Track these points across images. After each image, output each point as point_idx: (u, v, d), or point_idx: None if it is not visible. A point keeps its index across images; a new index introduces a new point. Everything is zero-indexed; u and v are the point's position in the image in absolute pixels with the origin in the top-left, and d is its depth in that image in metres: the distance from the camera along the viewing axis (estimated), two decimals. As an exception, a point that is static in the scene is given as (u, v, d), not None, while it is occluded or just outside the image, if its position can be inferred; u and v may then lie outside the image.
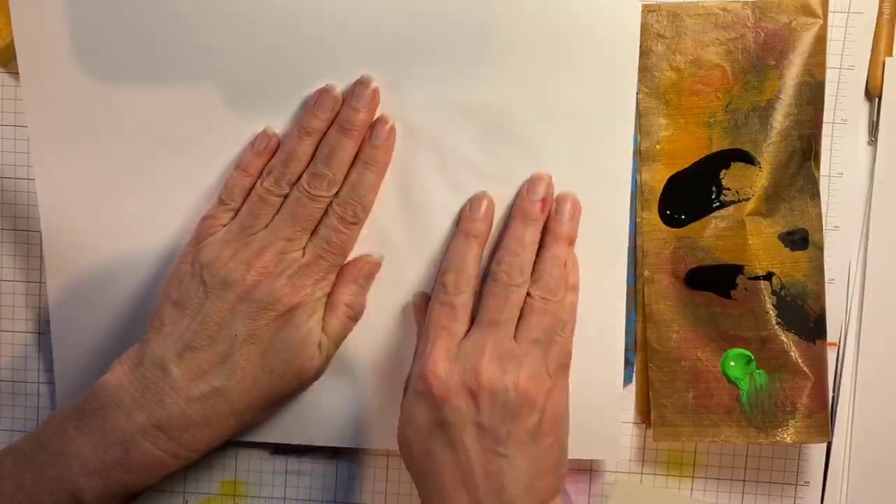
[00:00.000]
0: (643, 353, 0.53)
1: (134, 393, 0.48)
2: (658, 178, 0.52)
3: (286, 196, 0.49)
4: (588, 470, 0.54)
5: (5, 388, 0.56)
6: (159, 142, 0.51)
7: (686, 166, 0.52)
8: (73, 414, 0.48)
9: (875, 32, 0.51)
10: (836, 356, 0.53)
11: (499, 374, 0.46)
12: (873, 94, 0.52)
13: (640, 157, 0.52)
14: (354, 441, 0.54)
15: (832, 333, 0.52)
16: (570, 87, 0.50)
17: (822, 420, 0.51)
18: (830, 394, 0.52)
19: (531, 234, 0.49)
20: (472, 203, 0.50)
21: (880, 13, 0.51)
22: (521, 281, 0.48)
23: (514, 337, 0.47)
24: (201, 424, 0.48)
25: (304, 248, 0.49)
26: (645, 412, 0.54)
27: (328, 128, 0.49)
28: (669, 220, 0.52)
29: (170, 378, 0.48)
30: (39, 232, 0.54)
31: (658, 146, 0.52)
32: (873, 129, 0.52)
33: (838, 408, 0.53)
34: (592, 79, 0.50)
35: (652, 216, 0.52)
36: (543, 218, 0.49)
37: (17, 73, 0.53)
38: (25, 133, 0.54)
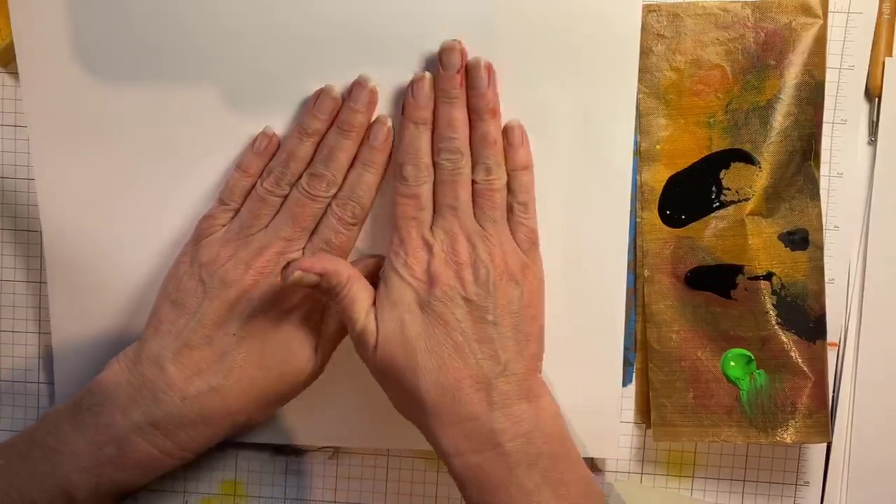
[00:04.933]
0: (643, 353, 0.53)
1: (130, 390, 0.48)
2: (658, 178, 0.52)
3: (286, 197, 0.49)
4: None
5: (5, 388, 0.56)
6: (159, 142, 0.51)
7: (686, 166, 0.52)
8: (69, 411, 0.48)
9: (875, 32, 0.51)
10: (836, 356, 0.53)
11: (474, 251, 0.47)
12: (873, 94, 0.52)
13: (640, 157, 0.52)
14: (354, 441, 0.54)
15: (832, 333, 0.52)
16: (571, 87, 0.50)
17: (822, 420, 0.51)
18: (830, 394, 0.52)
19: (459, 112, 0.48)
20: (414, 88, 0.49)
21: (880, 13, 0.51)
22: (463, 162, 0.48)
23: (475, 217, 0.48)
24: (197, 423, 0.48)
25: (303, 248, 0.49)
26: (645, 412, 0.54)
27: (328, 128, 0.49)
28: (669, 220, 0.52)
29: (166, 376, 0.48)
30: (39, 232, 0.54)
31: (658, 146, 0.52)
32: (873, 129, 0.52)
33: (838, 408, 0.53)
34: (593, 79, 0.50)
35: (652, 216, 0.52)
36: (464, 91, 0.49)
37: (17, 73, 0.53)
38: (25, 133, 0.54)
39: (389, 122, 0.50)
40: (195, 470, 0.56)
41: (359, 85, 0.49)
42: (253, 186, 0.50)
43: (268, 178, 0.49)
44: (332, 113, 0.49)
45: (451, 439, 0.45)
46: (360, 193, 0.49)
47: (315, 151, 0.49)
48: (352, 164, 0.50)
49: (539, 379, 0.47)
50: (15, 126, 0.54)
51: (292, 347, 0.49)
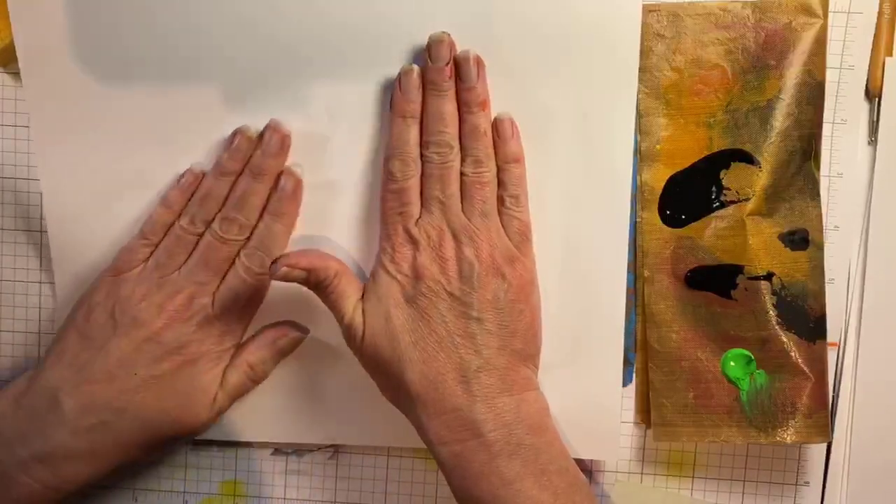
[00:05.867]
0: (643, 353, 0.53)
1: (16, 424, 0.48)
2: (658, 178, 0.52)
3: (202, 235, 0.50)
4: (588, 470, 0.54)
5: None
6: (161, 140, 0.51)
7: (686, 166, 0.52)
8: None
9: (875, 32, 0.51)
10: (836, 356, 0.53)
11: (459, 246, 0.47)
12: (873, 94, 0.52)
13: (640, 157, 0.52)
14: (354, 439, 0.54)
15: (832, 333, 0.52)
16: (571, 87, 0.50)
17: (822, 420, 0.51)
18: (830, 394, 0.52)
19: (448, 105, 0.48)
20: (402, 81, 0.49)
21: (880, 13, 0.51)
22: (453, 155, 0.48)
23: (463, 212, 0.48)
24: (85, 457, 0.48)
25: (214, 293, 0.50)
26: (645, 412, 0.54)
27: (244, 168, 0.50)
28: (669, 220, 0.52)
29: (59, 409, 0.48)
30: (39, 232, 0.54)
31: (658, 146, 0.52)
32: (873, 129, 0.52)
33: (838, 408, 0.53)
34: (593, 79, 0.50)
35: (652, 216, 0.52)
36: (454, 83, 0.49)
37: (17, 73, 0.53)
38: (26, 133, 0.54)
39: (298, 174, 0.50)
40: (195, 470, 0.56)
41: (270, 129, 0.50)
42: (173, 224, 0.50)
43: (184, 217, 0.50)
44: (247, 153, 0.50)
45: (436, 429, 0.46)
46: (267, 244, 0.50)
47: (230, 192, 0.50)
48: (261, 215, 0.50)
49: (525, 373, 0.48)
50: (15, 126, 0.54)
51: (192, 394, 0.50)
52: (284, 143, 0.50)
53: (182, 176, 0.51)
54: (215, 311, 0.50)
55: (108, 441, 0.49)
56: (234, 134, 0.50)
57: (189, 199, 0.50)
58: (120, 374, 0.48)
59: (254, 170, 0.49)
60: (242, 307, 0.51)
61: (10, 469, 0.47)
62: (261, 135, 0.50)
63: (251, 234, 0.50)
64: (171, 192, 0.51)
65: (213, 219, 0.50)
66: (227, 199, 0.50)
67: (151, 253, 0.50)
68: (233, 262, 0.50)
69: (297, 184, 0.50)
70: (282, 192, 0.50)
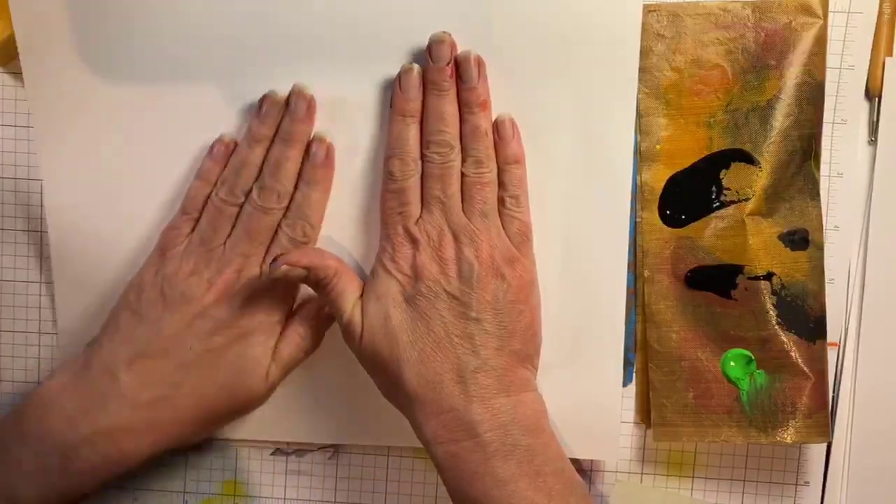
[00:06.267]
0: (643, 353, 0.53)
1: (78, 399, 0.48)
2: (658, 178, 0.52)
3: (242, 206, 0.50)
4: (588, 470, 0.54)
5: (6, 387, 0.56)
6: (164, 139, 0.52)
7: (686, 166, 0.52)
8: (13, 420, 0.49)
9: (875, 32, 0.51)
10: (836, 356, 0.53)
11: (459, 246, 0.47)
12: (873, 94, 0.52)
13: (640, 157, 0.52)
14: (354, 438, 0.54)
15: (832, 333, 0.52)
16: (571, 87, 0.50)
17: (822, 420, 0.51)
18: (830, 394, 0.52)
19: (449, 105, 0.49)
20: (402, 80, 0.49)
21: (880, 13, 0.51)
22: (453, 155, 0.48)
23: (464, 212, 0.48)
24: (144, 431, 0.49)
25: (261, 265, 0.50)
26: (645, 412, 0.54)
27: (276, 134, 0.50)
28: (669, 220, 0.52)
29: (118, 384, 0.48)
30: (40, 232, 0.54)
31: (658, 146, 0.52)
32: (873, 129, 0.52)
33: (838, 408, 0.53)
34: (593, 79, 0.50)
35: (652, 216, 0.52)
36: (454, 83, 0.49)
37: (18, 73, 0.53)
38: (26, 133, 0.54)
39: (328, 140, 0.50)
40: (195, 470, 0.56)
41: (295, 94, 0.50)
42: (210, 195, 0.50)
43: (221, 188, 0.50)
44: (277, 118, 0.50)
45: (433, 428, 0.46)
46: (307, 212, 0.50)
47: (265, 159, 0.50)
48: (296, 184, 0.50)
49: (523, 374, 0.48)
50: (15, 126, 0.54)
51: (246, 367, 0.50)
52: (311, 107, 0.50)
53: (213, 146, 0.51)
54: (263, 283, 0.49)
55: (167, 416, 0.49)
56: (262, 100, 0.50)
57: (223, 169, 0.50)
58: (174, 350, 0.49)
59: (284, 136, 0.49)
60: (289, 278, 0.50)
61: (72, 444, 0.48)
62: (286, 101, 0.50)
63: (290, 202, 0.50)
64: (205, 164, 0.51)
65: (251, 188, 0.50)
66: (262, 168, 0.50)
67: (194, 227, 0.50)
68: (276, 233, 0.50)
69: (329, 150, 0.50)
70: (314, 160, 0.50)
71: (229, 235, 0.50)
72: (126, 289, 0.51)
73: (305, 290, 0.52)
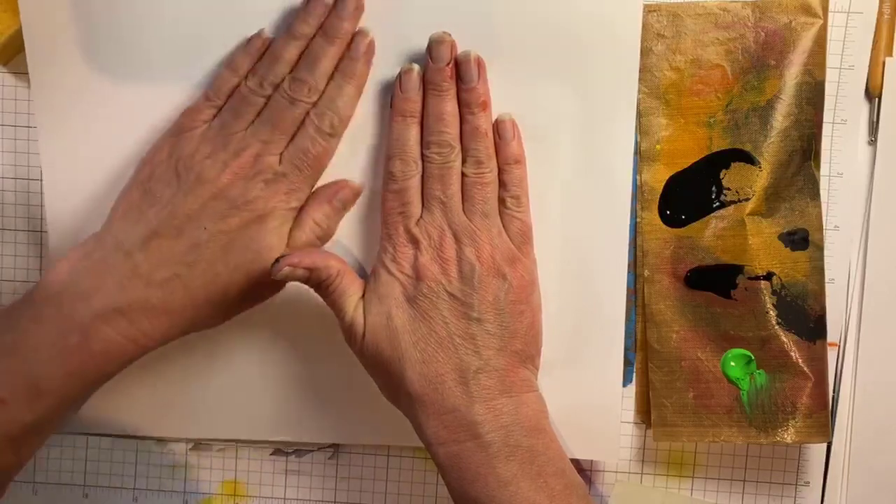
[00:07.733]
0: (643, 353, 0.53)
1: (91, 278, 0.48)
2: (658, 178, 0.52)
3: (268, 98, 0.49)
4: (588, 470, 0.54)
5: (5, 387, 0.56)
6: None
7: (686, 166, 0.52)
8: (25, 307, 0.48)
9: (875, 32, 0.51)
10: (836, 356, 0.53)
11: (460, 247, 0.47)
12: (873, 94, 0.52)
13: (640, 157, 0.52)
14: (355, 438, 0.54)
15: (832, 333, 0.52)
16: (571, 87, 0.50)
17: (822, 420, 0.51)
18: (830, 394, 0.52)
19: (449, 106, 0.49)
20: (403, 80, 0.49)
21: (880, 13, 0.51)
22: (454, 156, 0.48)
23: (464, 212, 0.48)
24: (160, 312, 0.48)
25: (280, 154, 0.49)
26: (645, 412, 0.54)
27: (316, 34, 0.49)
28: (669, 220, 0.52)
29: (132, 262, 0.48)
30: (40, 232, 0.54)
31: (658, 146, 0.52)
32: (873, 129, 0.52)
33: (838, 408, 0.53)
34: (592, 79, 0.50)
35: (652, 216, 0.52)
36: (454, 84, 0.49)
37: (18, 73, 0.53)
38: (26, 133, 0.54)
39: (371, 35, 0.50)
40: (195, 470, 0.56)
41: None
42: (239, 85, 0.50)
43: (252, 78, 0.49)
44: (321, 18, 0.49)
45: (434, 429, 0.46)
46: (338, 105, 0.49)
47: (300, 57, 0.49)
48: (332, 76, 0.49)
49: (524, 374, 0.48)
50: (15, 126, 0.54)
51: (260, 251, 0.49)
52: (359, 6, 0.49)
53: (249, 40, 0.50)
54: (283, 169, 0.49)
55: (182, 295, 0.48)
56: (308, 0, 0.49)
57: (255, 64, 0.50)
58: (188, 229, 0.48)
59: (328, 31, 0.49)
60: (310, 167, 0.50)
61: (89, 321, 0.47)
62: (334, 2, 0.49)
63: (320, 97, 0.49)
64: (237, 55, 0.50)
65: (282, 81, 0.49)
66: (296, 64, 0.49)
67: (215, 115, 0.50)
68: (303, 123, 0.49)
69: (370, 45, 0.50)
70: (355, 52, 0.49)
71: (252, 123, 0.49)
72: (138, 167, 0.50)
73: (322, 179, 0.51)
